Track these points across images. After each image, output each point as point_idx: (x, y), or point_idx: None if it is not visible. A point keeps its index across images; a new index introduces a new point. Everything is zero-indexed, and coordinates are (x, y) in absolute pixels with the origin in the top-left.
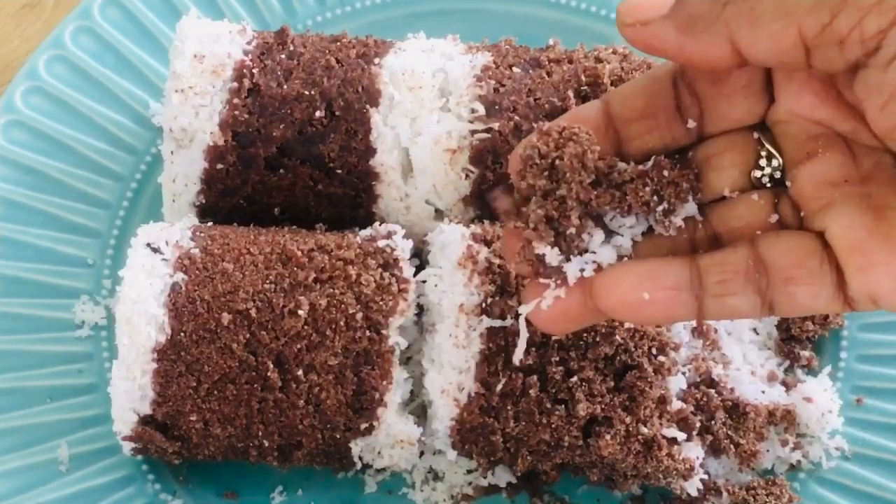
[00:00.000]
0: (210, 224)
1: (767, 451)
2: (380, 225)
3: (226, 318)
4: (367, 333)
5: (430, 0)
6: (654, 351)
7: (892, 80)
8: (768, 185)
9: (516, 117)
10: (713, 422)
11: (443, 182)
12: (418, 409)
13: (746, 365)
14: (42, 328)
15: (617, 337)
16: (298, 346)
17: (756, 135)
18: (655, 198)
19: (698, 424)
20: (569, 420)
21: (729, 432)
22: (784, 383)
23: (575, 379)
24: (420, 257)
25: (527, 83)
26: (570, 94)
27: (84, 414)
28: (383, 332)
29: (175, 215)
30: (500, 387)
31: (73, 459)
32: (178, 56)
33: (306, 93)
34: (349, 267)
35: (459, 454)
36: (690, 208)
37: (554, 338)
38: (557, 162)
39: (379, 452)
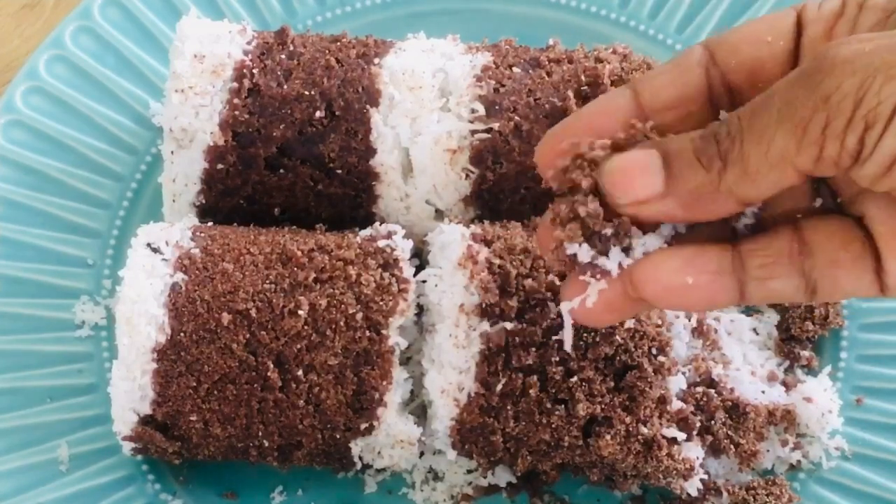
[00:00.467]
0: (210, 224)
1: (767, 451)
2: (380, 225)
3: (226, 318)
4: (367, 333)
5: (430, 0)
6: (654, 351)
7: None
8: None
9: (516, 117)
10: (713, 422)
11: (443, 182)
12: (418, 409)
13: (746, 365)
14: (42, 328)
15: (617, 337)
16: (298, 346)
17: None
18: None
19: (698, 424)
20: (569, 420)
21: (729, 432)
22: (784, 383)
23: (575, 379)
24: (420, 257)
25: (527, 83)
26: (570, 94)
27: (84, 414)
28: (383, 332)
29: (175, 215)
30: (500, 387)
31: (73, 459)
32: (178, 56)
33: (306, 93)
34: (349, 267)
35: (459, 454)
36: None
37: (554, 338)
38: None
39: (379, 452)
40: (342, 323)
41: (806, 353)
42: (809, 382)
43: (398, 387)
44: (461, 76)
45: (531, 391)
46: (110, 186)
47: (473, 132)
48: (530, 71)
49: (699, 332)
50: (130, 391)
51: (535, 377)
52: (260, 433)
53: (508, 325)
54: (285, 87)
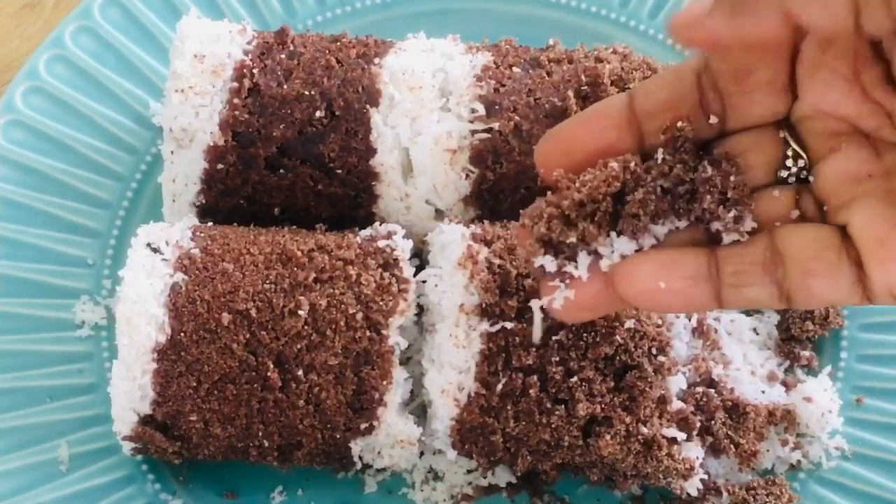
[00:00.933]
0: (210, 224)
1: (767, 451)
2: (380, 225)
3: (226, 318)
4: (367, 333)
5: (431, 0)
6: (654, 351)
7: None
8: (791, 181)
9: (516, 117)
10: (713, 422)
11: (443, 182)
12: (418, 409)
13: (746, 365)
14: (42, 328)
15: (617, 337)
16: (298, 346)
17: (782, 134)
18: (722, 207)
19: (698, 424)
20: (569, 420)
21: (729, 432)
22: (784, 383)
23: (575, 379)
24: (420, 257)
25: (527, 83)
26: (570, 94)
27: (84, 414)
28: (383, 332)
29: (175, 215)
30: (500, 387)
31: (73, 459)
32: (179, 56)
33: (306, 93)
34: (349, 267)
35: (459, 454)
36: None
37: (554, 338)
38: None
39: (379, 452)
40: (342, 323)
41: (806, 353)
42: (809, 382)
43: (398, 387)
44: (461, 76)
45: (531, 391)
46: (110, 186)
47: (473, 132)
48: (530, 71)
49: (699, 332)
50: (130, 391)
51: (535, 377)
52: (260, 433)
53: (508, 325)
54: (285, 87)
